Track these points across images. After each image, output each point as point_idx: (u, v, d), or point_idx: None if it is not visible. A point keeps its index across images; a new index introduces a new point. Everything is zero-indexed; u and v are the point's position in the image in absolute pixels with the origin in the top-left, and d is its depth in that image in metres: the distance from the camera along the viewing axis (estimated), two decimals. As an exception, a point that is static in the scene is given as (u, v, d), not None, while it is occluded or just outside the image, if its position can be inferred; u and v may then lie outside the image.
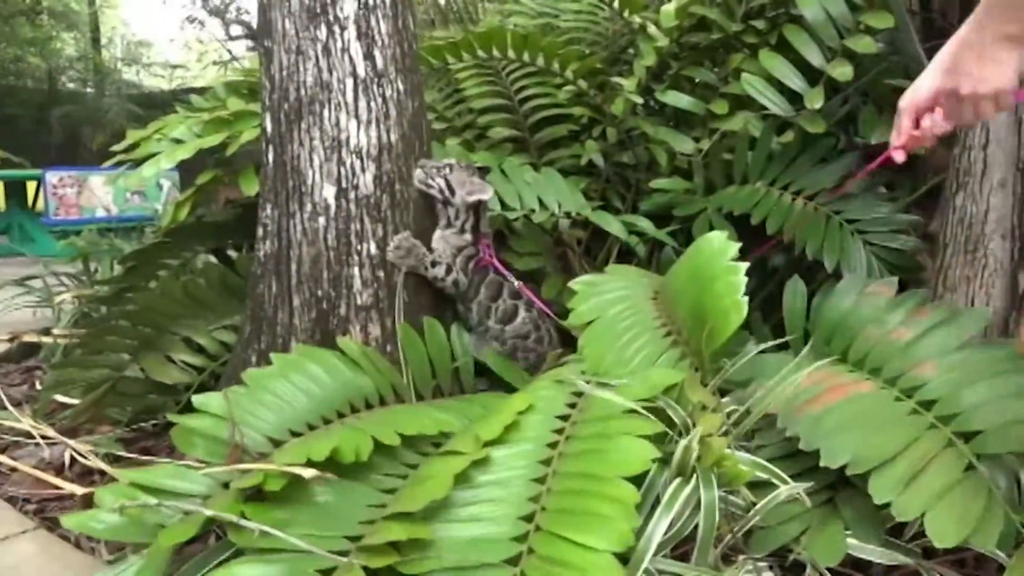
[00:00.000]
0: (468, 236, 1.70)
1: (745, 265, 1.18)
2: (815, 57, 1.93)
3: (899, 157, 1.28)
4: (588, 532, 0.90)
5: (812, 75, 1.96)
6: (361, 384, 1.43)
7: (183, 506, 1.02)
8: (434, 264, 1.65)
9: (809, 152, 1.98)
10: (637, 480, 0.99)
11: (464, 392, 1.67)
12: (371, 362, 1.48)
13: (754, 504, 1.08)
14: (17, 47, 9.96)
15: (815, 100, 1.91)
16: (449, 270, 1.66)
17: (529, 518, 0.96)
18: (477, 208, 1.70)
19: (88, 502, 1.49)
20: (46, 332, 2.65)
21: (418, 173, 1.67)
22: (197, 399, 1.24)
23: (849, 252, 1.77)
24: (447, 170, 1.67)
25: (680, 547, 1.03)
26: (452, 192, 1.66)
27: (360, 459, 1.11)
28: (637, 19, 2.38)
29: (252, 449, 1.18)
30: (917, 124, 1.21)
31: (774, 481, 1.09)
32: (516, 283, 1.75)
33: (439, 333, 1.64)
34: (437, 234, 1.70)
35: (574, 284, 1.50)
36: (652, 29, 2.24)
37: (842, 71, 1.87)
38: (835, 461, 1.14)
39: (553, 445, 1.10)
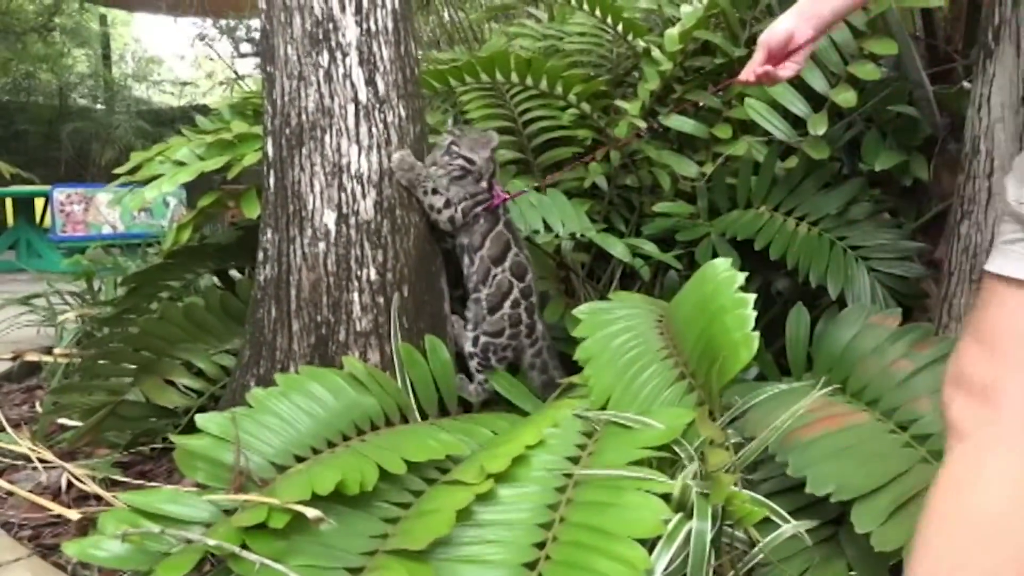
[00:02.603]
0: (484, 183, 1.68)
1: (753, 297, 1.17)
2: (818, 83, 1.93)
3: (744, 76, 1.38)
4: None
5: (816, 101, 1.95)
6: (366, 404, 1.41)
7: (185, 535, 1.00)
8: (434, 192, 1.63)
9: (813, 177, 1.97)
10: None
11: (468, 411, 1.66)
12: (375, 381, 1.46)
13: (756, 541, 1.06)
14: (29, 63, 10.04)
15: (819, 126, 1.90)
16: (448, 204, 1.63)
17: (532, 565, 0.95)
18: (493, 156, 1.69)
19: (84, 528, 1.48)
20: (48, 351, 2.66)
21: (435, 170, 1.64)
22: (200, 418, 1.22)
23: (853, 279, 1.76)
24: (455, 146, 1.65)
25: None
26: (472, 161, 1.65)
27: (365, 489, 1.10)
28: (641, 43, 2.39)
29: (255, 474, 1.17)
30: (768, 60, 1.32)
31: (774, 519, 1.07)
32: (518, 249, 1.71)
33: (441, 351, 1.63)
34: (454, 187, 1.66)
35: (578, 312, 1.49)
36: (656, 53, 2.24)
37: (845, 97, 1.86)
38: (821, 488, 1.14)
39: (562, 489, 1.09)
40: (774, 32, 1.28)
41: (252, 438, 1.23)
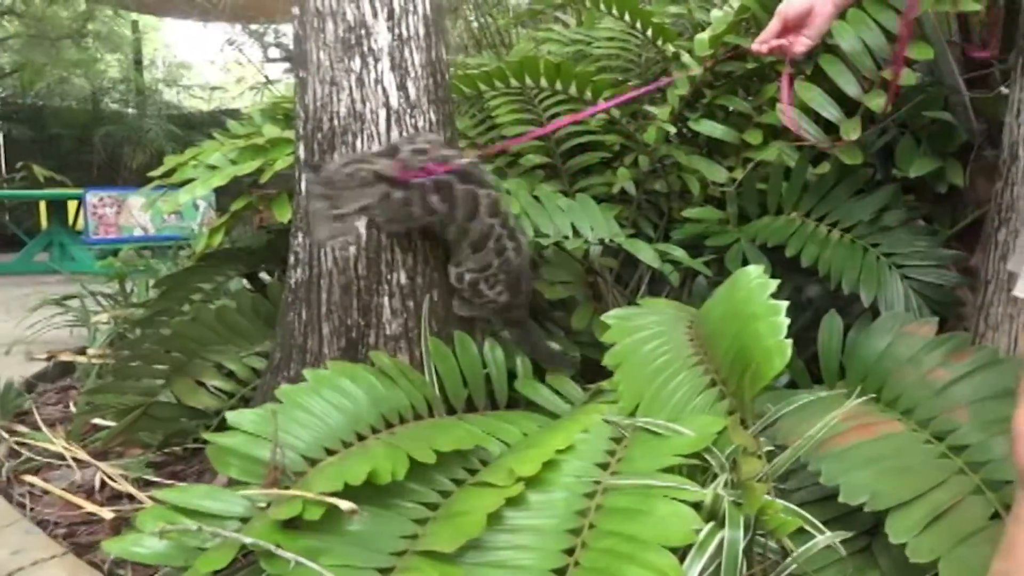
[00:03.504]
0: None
1: (786, 304, 1.16)
2: (852, 88, 1.90)
3: (756, 47, 1.38)
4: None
5: (849, 106, 1.93)
6: (395, 398, 1.41)
7: (221, 532, 1.02)
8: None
9: (845, 183, 1.95)
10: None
11: (497, 409, 1.66)
12: (404, 376, 1.47)
13: (789, 552, 1.05)
14: (63, 69, 10.23)
15: (852, 131, 1.88)
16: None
17: (562, 572, 0.95)
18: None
19: (117, 527, 1.50)
20: (81, 352, 2.70)
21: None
22: (231, 415, 1.24)
23: (887, 286, 1.73)
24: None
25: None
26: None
27: (396, 479, 1.10)
28: (671, 47, 2.38)
29: (288, 468, 1.18)
30: (783, 32, 1.32)
31: (808, 529, 1.06)
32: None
33: (471, 347, 1.63)
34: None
35: (607, 318, 1.49)
36: (686, 57, 2.23)
37: (878, 102, 1.84)
38: (855, 498, 1.12)
39: (591, 495, 1.09)
40: (792, 3, 1.27)
41: (283, 433, 1.23)
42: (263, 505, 1.09)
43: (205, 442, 1.22)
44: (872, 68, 1.90)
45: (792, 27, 1.29)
